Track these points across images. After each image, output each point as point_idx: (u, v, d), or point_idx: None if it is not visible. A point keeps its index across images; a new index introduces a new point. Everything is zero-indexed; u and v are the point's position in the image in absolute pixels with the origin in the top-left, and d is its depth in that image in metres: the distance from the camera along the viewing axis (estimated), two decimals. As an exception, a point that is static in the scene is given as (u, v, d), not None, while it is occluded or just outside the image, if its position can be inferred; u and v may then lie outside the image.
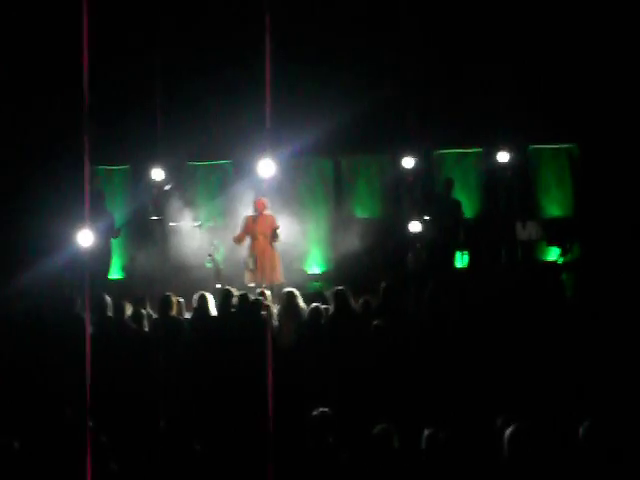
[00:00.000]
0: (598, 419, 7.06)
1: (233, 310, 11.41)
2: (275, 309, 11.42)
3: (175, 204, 15.68)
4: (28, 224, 15.49)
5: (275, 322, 11.04)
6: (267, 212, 14.13)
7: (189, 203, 15.72)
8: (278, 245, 14.11)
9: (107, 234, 14.74)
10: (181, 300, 11.97)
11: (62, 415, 8.42)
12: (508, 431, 6.99)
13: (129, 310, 11.44)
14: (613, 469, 6.79)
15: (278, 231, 13.90)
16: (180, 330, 11.12)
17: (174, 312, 11.47)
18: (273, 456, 7.47)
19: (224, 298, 11.56)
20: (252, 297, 11.45)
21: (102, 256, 14.56)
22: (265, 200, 14.15)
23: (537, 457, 6.92)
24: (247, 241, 14.16)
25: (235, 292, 11.72)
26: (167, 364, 10.11)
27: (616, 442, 6.93)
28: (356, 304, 11.27)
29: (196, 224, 15.21)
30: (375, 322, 10.78)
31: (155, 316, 11.57)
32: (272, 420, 7.03)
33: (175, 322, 11.22)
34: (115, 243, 15.66)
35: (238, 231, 14.26)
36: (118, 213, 16.27)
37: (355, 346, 10.28)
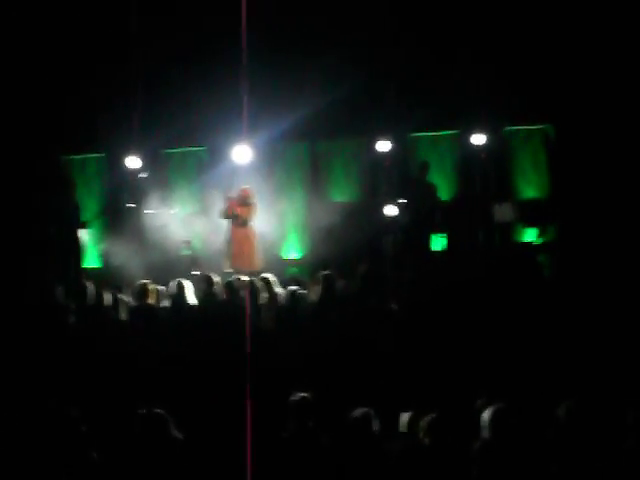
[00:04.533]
0: (578, 399, 7.11)
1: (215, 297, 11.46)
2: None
3: (151, 191, 15.63)
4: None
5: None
6: (252, 201, 14.14)
7: (165, 190, 15.64)
8: (255, 231, 14.10)
9: (72, 223, 14.65)
10: (160, 288, 11.93)
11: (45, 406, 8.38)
12: (486, 412, 7.03)
13: (108, 298, 11.40)
14: (592, 449, 6.84)
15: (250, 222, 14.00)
16: (156, 318, 11.13)
17: (151, 300, 11.45)
18: (253, 442, 7.48)
19: (206, 285, 11.55)
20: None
21: (68, 245, 14.50)
22: (251, 191, 14.17)
23: (517, 437, 6.96)
24: (226, 225, 14.13)
25: (215, 279, 11.71)
26: (145, 352, 10.09)
27: (595, 422, 6.98)
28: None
29: (172, 211, 15.14)
30: (354, 307, 10.81)
31: (132, 304, 11.54)
32: (251, 406, 7.04)
33: (152, 310, 11.22)
34: (90, 232, 15.60)
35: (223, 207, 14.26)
36: (93, 201, 16.25)
37: (336, 331, 10.30)
